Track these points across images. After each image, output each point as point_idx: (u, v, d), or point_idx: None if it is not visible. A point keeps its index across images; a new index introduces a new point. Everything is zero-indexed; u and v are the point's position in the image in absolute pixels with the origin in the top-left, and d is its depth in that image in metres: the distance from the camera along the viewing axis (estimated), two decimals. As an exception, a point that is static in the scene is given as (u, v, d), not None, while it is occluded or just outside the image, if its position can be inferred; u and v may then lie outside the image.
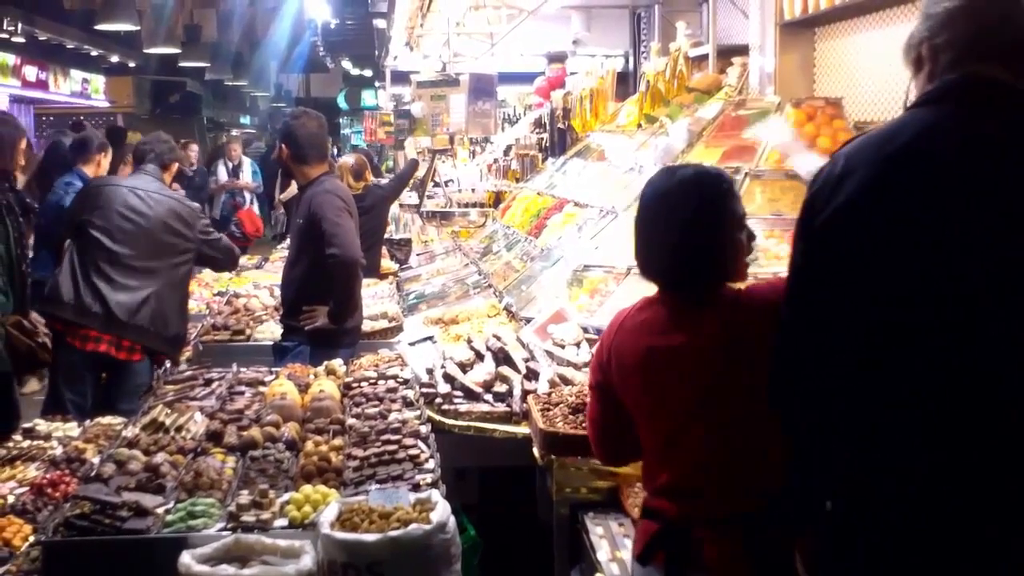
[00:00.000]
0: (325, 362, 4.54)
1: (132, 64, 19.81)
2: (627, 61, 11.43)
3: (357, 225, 5.09)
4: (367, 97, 29.08)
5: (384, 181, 13.49)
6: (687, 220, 2.50)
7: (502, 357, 4.33)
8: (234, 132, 23.15)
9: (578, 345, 4.42)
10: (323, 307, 4.94)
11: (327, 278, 4.94)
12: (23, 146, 5.25)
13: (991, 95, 2.00)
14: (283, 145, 5.17)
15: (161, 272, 5.21)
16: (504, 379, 4.16)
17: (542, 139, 10.56)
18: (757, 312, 2.49)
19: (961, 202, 1.91)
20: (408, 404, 3.94)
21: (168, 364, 5.06)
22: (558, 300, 5.03)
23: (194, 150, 12.63)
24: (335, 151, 20.13)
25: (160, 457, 3.36)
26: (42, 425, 4.12)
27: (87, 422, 4.14)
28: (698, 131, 5.79)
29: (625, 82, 10.42)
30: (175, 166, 5.61)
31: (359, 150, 16.70)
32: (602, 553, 3.04)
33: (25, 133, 5.43)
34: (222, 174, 13.16)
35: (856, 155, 2.04)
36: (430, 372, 4.36)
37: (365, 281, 6.24)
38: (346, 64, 28.02)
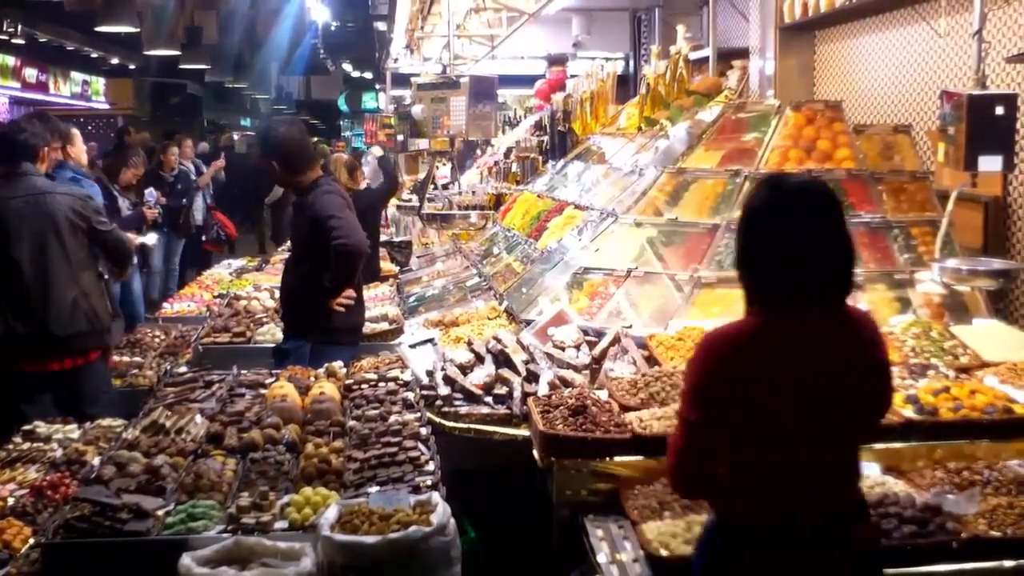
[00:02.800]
0: (325, 364, 4.55)
1: (132, 66, 19.85)
2: (627, 64, 11.45)
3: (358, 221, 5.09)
4: (368, 99, 29.09)
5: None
6: (833, 232, 2.42)
7: (502, 359, 4.34)
8: (236, 135, 23.16)
9: (578, 347, 4.42)
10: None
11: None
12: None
13: None
14: (272, 162, 5.12)
15: (80, 269, 4.98)
16: (504, 381, 4.17)
17: (542, 142, 10.56)
18: (869, 333, 2.52)
19: None
20: (408, 406, 3.94)
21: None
22: (558, 302, 5.04)
23: (174, 153, 11.47)
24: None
25: (160, 459, 3.36)
26: (42, 427, 4.12)
27: (87, 424, 4.14)
28: (698, 134, 5.80)
29: (625, 85, 10.43)
30: (46, 150, 5.08)
31: (359, 152, 16.73)
32: (602, 555, 3.04)
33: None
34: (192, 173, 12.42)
35: None
36: (430, 374, 4.36)
37: (365, 284, 6.25)
38: (347, 66, 28.07)
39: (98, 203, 5.32)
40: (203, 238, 11.77)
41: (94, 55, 18.01)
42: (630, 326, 4.60)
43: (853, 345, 2.48)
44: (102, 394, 4.98)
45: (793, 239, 2.38)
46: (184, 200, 11.23)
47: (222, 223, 11.94)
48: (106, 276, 5.30)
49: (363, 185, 8.07)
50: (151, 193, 9.83)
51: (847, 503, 2.51)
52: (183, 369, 5.04)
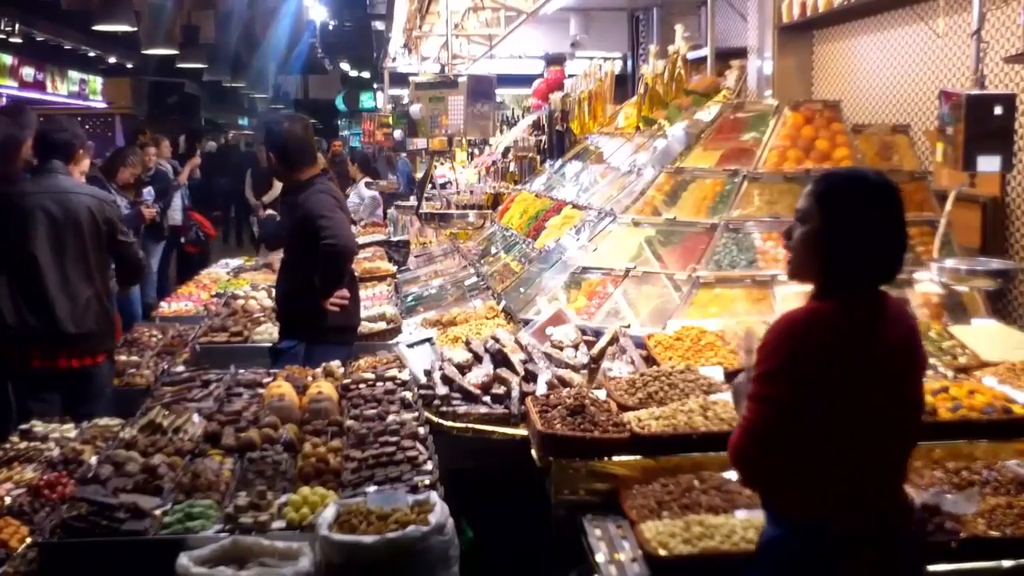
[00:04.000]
0: (323, 363, 4.54)
1: (130, 65, 19.84)
2: (625, 63, 11.46)
3: (348, 221, 5.08)
4: (365, 99, 29.07)
5: (383, 182, 13.40)
6: (902, 222, 2.52)
7: (500, 359, 4.33)
8: (232, 134, 23.18)
9: (576, 347, 4.41)
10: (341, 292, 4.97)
11: None
12: (27, 148, 5.20)
13: None
14: (271, 153, 5.12)
15: (95, 271, 5.04)
16: (502, 381, 4.16)
17: (540, 141, 10.56)
18: (913, 320, 2.64)
19: None
20: (406, 406, 3.93)
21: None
22: (556, 302, 5.04)
23: (151, 152, 10.76)
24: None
25: (158, 459, 3.35)
26: (39, 426, 4.11)
27: (84, 423, 4.13)
28: (696, 133, 5.80)
29: (623, 84, 10.43)
30: (81, 153, 5.18)
31: (357, 151, 16.72)
32: (600, 555, 3.03)
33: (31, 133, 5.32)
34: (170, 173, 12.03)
35: None
36: (428, 374, 4.36)
37: (361, 283, 6.24)
38: (344, 66, 28.01)
39: (121, 211, 5.34)
40: (182, 240, 11.51)
41: (91, 54, 17.99)
42: (628, 326, 4.59)
43: (910, 330, 2.56)
44: (105, 396, 5.01)
45: (879, 229, 2.46)
46: (161, 202, 10.64)
47: (200, 223, 11.74)
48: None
49: (356, 188, 8.01)
50: (149, 192, 9.75)
51: (905, 501, 2.59)
52: (180, 368, 5.03)
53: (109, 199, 5.27)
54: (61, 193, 4.94)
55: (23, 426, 4.13)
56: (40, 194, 4.91)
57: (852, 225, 2.45)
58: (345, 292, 5.00)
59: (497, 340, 4.45)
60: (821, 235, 2.46)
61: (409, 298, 6.78)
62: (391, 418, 3.74)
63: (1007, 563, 2.89)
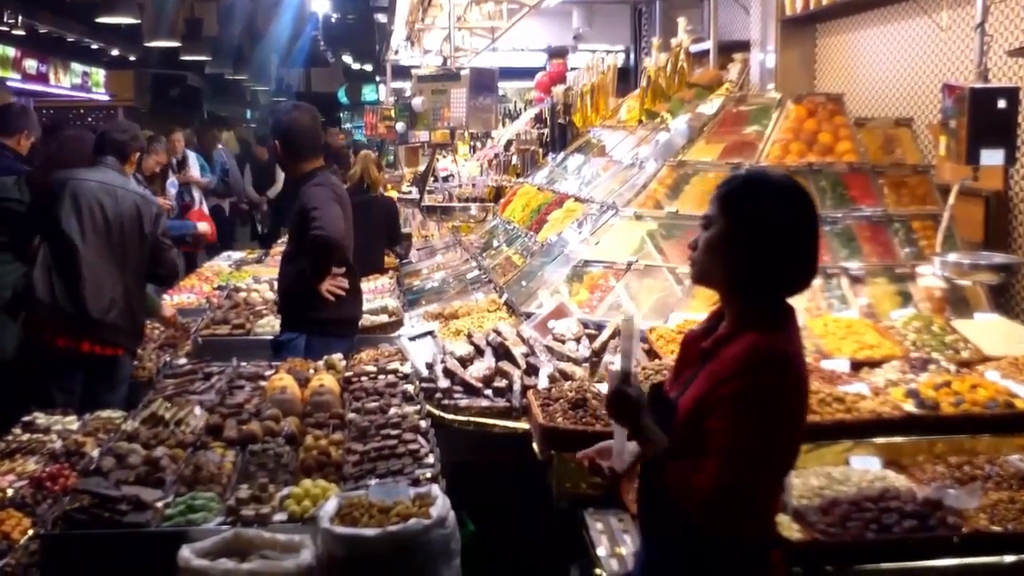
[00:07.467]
0: (325, 356, 4.54)
1: (133, 58, 19.79)
2: (628, 56, 11.45)
3: (349, 216, 5.07)
4: (368, 92, 29.03)
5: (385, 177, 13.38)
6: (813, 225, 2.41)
7: (502, 352, 4.33)
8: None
9: (578, 340, 4.41)
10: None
11: None
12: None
13: None
14: (276, 142, 5.14)
15: (129, 268, 5.16)
16: (504, 374, 4.16)
17: (543, 134, 10.56)
18: None
19: None
20: (408, 399, 3.93)
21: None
22: (558, 295, 5.03)
23: (177, 140, 10.89)
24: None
25: (160, 451, 3.35)
26: (42, 418, 4.12)
27: (87, 416, 4.14)
28: (699, 127, 5.79)
29: (626, 77, 10.43)
30: (136, 156, 5.48)
31: (359, 144, 16.72)
32: (602, 548, 3.04)
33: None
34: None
35: None
36: (430, 367, 4.36)
37: (365, 276, 6.23)
38: (347, 58, 27.99)
39: (164, 218, 5.52)
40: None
41: (94, 46, 17.95)
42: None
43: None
44: (123, 388, 5.13)
45: (783, 231, 2.34)
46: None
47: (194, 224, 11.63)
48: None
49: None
50: (173, 183, 9.70)
51: None
52: (182, 361, 5.03)
53: (155, 202, 5.44)
54: (112, 187, 5.13)
55: (26, 418, 4.14)
56: (93, 183, 5.11)
57: (755, 224, 2.32)
58: (344, 282, 4.99)
59: (499, 333, 4.45)
60: (726, 237, 2.34)
61: (411, 291, 6.78)
62: (393, 411, 3.74)
63: (1009, 558, 2.90)
